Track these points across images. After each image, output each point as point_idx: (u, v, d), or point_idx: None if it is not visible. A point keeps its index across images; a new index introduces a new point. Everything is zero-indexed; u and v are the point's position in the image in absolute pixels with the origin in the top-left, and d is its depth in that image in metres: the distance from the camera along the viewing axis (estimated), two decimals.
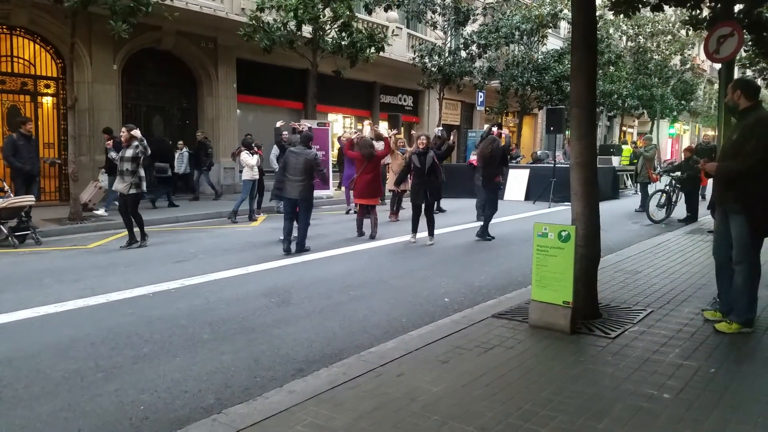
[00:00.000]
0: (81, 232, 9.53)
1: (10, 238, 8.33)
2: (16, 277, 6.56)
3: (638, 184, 13.79)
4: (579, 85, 4.45)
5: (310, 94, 15.77)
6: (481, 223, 9.27)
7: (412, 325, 4.82)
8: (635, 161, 16.40)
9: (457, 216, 12.02)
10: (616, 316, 4.66)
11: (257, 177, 11.21)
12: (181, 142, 14.15)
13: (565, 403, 3.13)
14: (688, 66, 34.39)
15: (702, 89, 40.48)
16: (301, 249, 7.82)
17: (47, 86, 12.89)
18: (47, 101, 12.95)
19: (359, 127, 20.89)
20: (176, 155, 13.72)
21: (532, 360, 3.81)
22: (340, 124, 20.44)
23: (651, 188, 12.25)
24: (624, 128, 39.10)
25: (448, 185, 11.99)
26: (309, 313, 5.21)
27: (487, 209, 9.17)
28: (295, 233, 7.98)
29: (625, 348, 3.97)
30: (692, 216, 11.13)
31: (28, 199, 8.80)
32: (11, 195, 8.88)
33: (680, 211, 11.38)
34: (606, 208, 14.53)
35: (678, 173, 11.38)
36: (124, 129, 8.37)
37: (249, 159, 11.08)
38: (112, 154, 8.67)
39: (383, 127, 20.24)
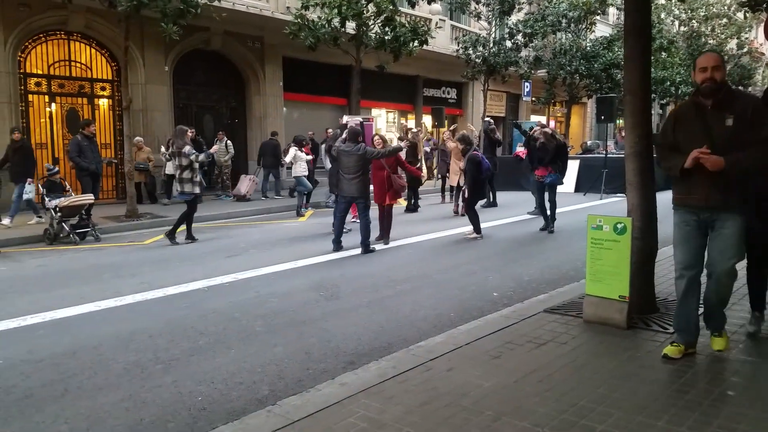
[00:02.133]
0: (137, 229, 9.90)
1: (71, 235, 8.74)
2: (78, 272, 6.88)
3: None
4: (633, 71, 4.28)
5: (354, 90, 15.81)
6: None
7: (460, 319, 4.78)
8: None
9: (503, 210, 11.83)
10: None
11: (307, 173, 11.53)
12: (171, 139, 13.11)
13: (622, 399, 3.04)
14: (745, 50, 32.61)
15: (761, 74, 38.33)
16: (367, 250, 7.55)
17: (103, 88, 13.43)
18: (103, 103, 13.50)
19: (405, 122, 20.95)
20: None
21: (586, 356, 3.71)
22: (383, 119, 20.46)
23: None
24: None
25: (493, 178, 11.79)
26: (356, 306, 5.25)
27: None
28: (352, 231, 7.97)
29: None
30: None
31: (88, 198, 9.21)
32: (72, 194, 9.31)
33: None
34: (660, 199, 13.92)
35: None
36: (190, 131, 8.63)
37: (300, 154, 11.44)
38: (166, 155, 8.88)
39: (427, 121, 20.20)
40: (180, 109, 14.40)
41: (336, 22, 13.61)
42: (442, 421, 2.86)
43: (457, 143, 8.75)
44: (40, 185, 9.26)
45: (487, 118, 15.15)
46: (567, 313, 4.50)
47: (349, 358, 4.02)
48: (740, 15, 27.75)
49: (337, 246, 7.67)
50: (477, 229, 8.46)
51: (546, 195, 9.10)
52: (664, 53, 25.27)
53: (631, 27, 4.32)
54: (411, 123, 20.47)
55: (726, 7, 29.23)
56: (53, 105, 12.71)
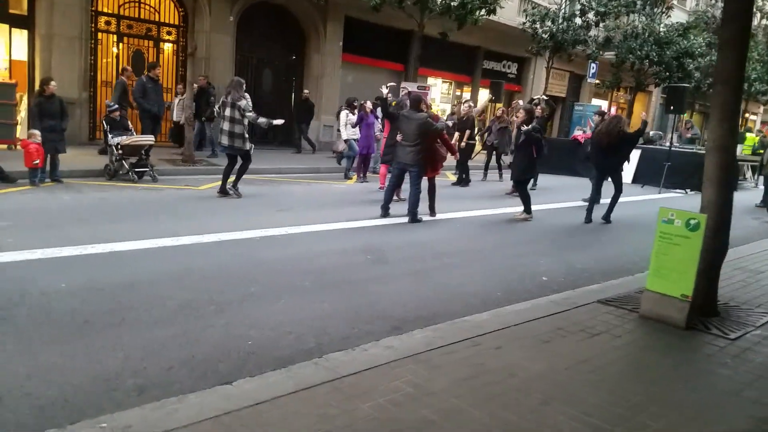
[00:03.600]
0: (193, 174, 10.10)
1: (130, 173, 9.00)
2: (137, 209, 7.10)
3: (761, 177, 12.53)
4: (727, 60, 4.00)
5: (413, 56, 15.51)
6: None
7: (507, 300, 4.70)
8: (760, 152, 14.87)
9: (558, 194, 11.53)
10: (736, 317, 4.29)
11: (357, 136, 11.31)
12: (180, 87, 12.51)
13: (679, 402, 2.94)
14: None
15: None
16: (414, 219, 7.45)
17: (169, 33, 13.59)
18: (168, 47, 13.69)
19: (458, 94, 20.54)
20: (175, 101, 12.30)
21: (641, 351, 3.61)
22: (438, 89, 20.09)
23: None
24: (747, 114, 35.58)
25: (548, 161, 11.29)
26: (404, 274, 5.24)
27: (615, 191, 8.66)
28: (402, 199, 7.89)
29: (746, 352, 3.65)
30: None
31: (149, 139, 9.43)
32: (134, 134, 9.54)
33: None
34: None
35: None
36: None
37: (350, 118, 11.27)
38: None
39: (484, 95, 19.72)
40: (241, 61, 14.47)
41: None
42: (490, 397, 2.83)
43: (520, 114, 8.46)
44: (103, 121, 9.52)
45: (540, 96, 14.62)
46: (622, 306, 4.37)
47: (394, 323, 4.02)
48: None
49: (385, 212, 7.65)
50: (528, 209, 8.27)
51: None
52: None
53: (732, 12, 4.03)
54: (467, 95, 20.06)
55: None
56: (120, 45, 12.96)
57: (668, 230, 3.97)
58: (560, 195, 11.25)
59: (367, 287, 4.75)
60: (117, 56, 12.93)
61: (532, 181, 10.69)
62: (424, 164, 7.66)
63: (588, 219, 8.44)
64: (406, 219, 7.51)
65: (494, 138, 12.48)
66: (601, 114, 10.91)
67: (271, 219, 6.94)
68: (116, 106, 9.72)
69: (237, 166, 8.38)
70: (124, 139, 9.03)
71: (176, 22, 13.56)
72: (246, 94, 8.19)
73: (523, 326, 3.85)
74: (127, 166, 9.03)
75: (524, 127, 8.10)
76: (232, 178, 8.35)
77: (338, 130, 12.31)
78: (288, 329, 3.75)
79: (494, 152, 12.86)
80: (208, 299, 4.13)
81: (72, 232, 5.68)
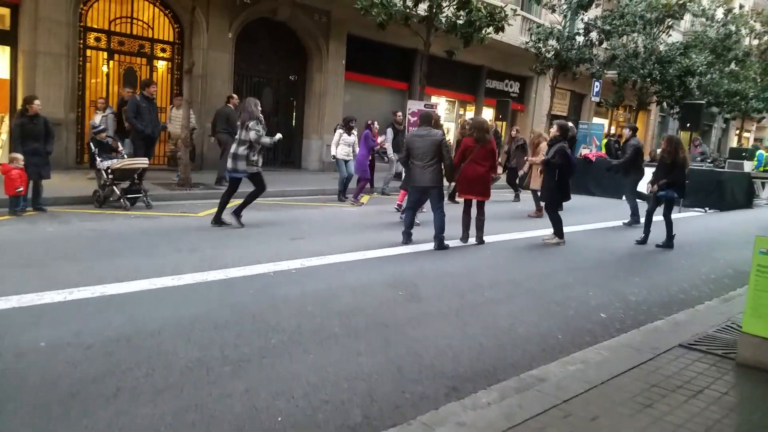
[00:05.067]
0: (189, 199, 9.35)
1: (122, 200, 8.25)
2: (132, 241, 6.34)
3: None
4: None
5: (420, 75, 14.94)
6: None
7: (570, 343, 4.04)
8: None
9: (579, 215, 10.88)
10: None
11: (350, 158, 10.66)
12: (102, 100, 10.73)
13: None
14: None
15: None
16: (441, 245, 6.80)
17: (163, 50, 12.95)
18: (162, 65, 13.05)
19: (461, 112, 20.07)
20: (98, 117, 10.11)
21: (762, 415, 2.91)
22: (442, 108, 19.60)
23: None
24: (740, 132, 35.61)
25: None
26: (444, 313, 4.54)
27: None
28: (421, 223, 7.42)
29: None
30: None
31: (142, 162, 8.69)
32: (125, 156, 8.81)
33: None
34: (739, 218, 13.00)
35: None
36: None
37: (346, 138, 10.68)
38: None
39: (487, 115, 19.28)
40: (240, 79, 13.86)
41: (409, 1, 12.86)
42: None
43: (549, 133, 7.91)
44: (92, 144, 8.78)
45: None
46: (710, 351, 3.69)
47: (450, 383, 3.31)
48: None
49: (407, 239, 6.96)
50: (559, 233, 7.61)
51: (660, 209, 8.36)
52: (736, 66, 23.93)
53: None
54: (470, 114, 19.57)
55: None
56: (110, 63, 12.29)
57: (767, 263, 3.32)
58: (581, 216, 10.58)
59: (406, 332, 4.05)
60: (107, 74, 12.27)
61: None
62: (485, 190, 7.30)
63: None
64: (430, 246, 6.83)
65: (513, 158, 12.03)
66: (633, 129, 10.57)
67: (285, 249, 6.21)
68: (102, 126, 8.97)
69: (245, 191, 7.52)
70: (115, 163, 8.32)
71: (171, 39, 12.93)
72: (257, 114, 7.34)
73: (611, 384, 3.15)
74: (118, 192, 8.28)
75: (553, 147, 7.49)
76: (232, 204, 7.48)
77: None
78: (324, 396, 3.03)
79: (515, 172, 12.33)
80: (222, 356, 3.39)
81: (57, 271, 4.93)
